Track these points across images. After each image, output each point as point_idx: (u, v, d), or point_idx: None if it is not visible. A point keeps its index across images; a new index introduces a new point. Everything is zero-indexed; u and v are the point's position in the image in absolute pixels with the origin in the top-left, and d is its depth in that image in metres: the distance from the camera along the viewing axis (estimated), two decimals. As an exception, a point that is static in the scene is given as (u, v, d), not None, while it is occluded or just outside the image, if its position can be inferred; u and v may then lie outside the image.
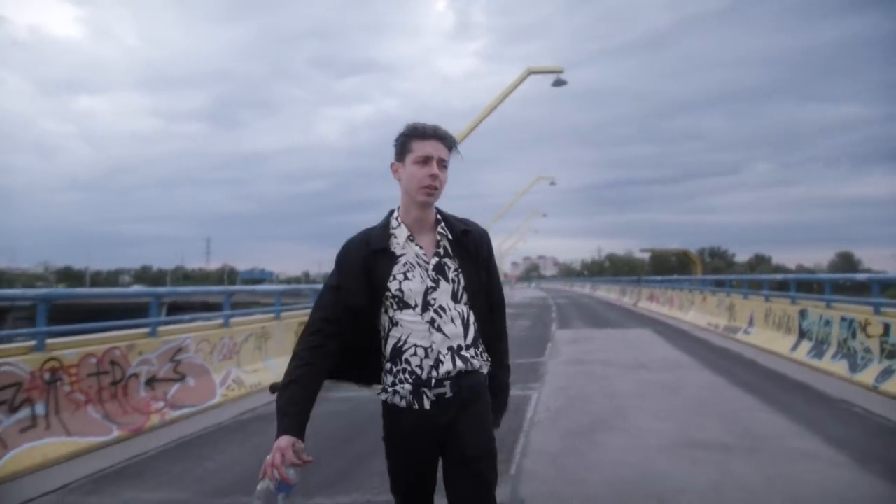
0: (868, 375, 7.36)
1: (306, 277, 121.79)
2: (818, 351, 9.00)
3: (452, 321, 1.91)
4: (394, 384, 1.90)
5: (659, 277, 35.27)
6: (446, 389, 1.88)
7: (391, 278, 1.89)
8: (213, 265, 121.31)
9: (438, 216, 2.00)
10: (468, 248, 1.98)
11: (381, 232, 1.94)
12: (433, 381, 1.87)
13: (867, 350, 7.70)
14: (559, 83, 17.81)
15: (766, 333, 11.41)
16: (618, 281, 42.32)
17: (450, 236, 1.97)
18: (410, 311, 1.89)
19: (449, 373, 1.87)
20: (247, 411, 6.66)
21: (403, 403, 1.89)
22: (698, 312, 17.31)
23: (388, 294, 1.90)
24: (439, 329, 1.89)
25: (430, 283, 1.90)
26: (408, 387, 1.88)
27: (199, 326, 7.63)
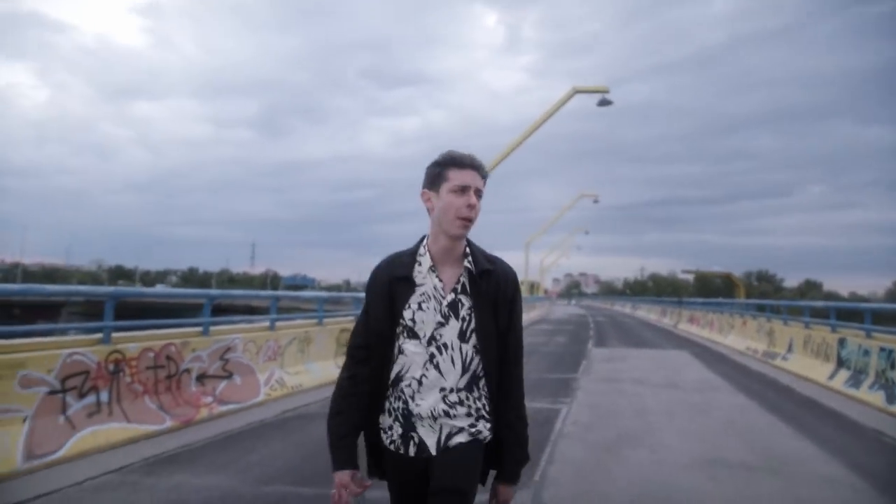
0: (904, 407, 7.29)
1: (347, 285, 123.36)
2: (856, 380, 8.91)
3: (452, 361, 1.86)
4: (390, 427, 1.91)
5: (701, 300, 34.73)
6: (429, 443, 1.86)
7: (406, 306, 1.87)
8: (258, 269, 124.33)
9: (467, 249, 1.94)
10: (487, 288, 1.90)
11: (408, 259, 1.92)
12: (419, 417, 1.86)
13: (905, 381, 7.62)
14: (605, 102, 18.01)
15: (805, 360, 11.29)
16: (659, 301, 41.78)
17: (472, 272, 1.90)
18: (416, 341, 1.87)
19: (432, 412, 1.85)
20: (289, 410, 7.02)
21: (393, 448, 1.90)
22: (738, 336, 17.10)
23: (402, 322, 1.87)
24: (437, 366, 1.86)
25: (440, 319, 1.86)
26: (398, 430, 1.88)
27: (246, 328, 8.07)
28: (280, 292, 11.27)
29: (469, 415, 1.88)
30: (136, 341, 5.91)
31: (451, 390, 1.85)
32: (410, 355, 1.86)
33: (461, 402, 1.86)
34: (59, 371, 5.00)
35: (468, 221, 1.84)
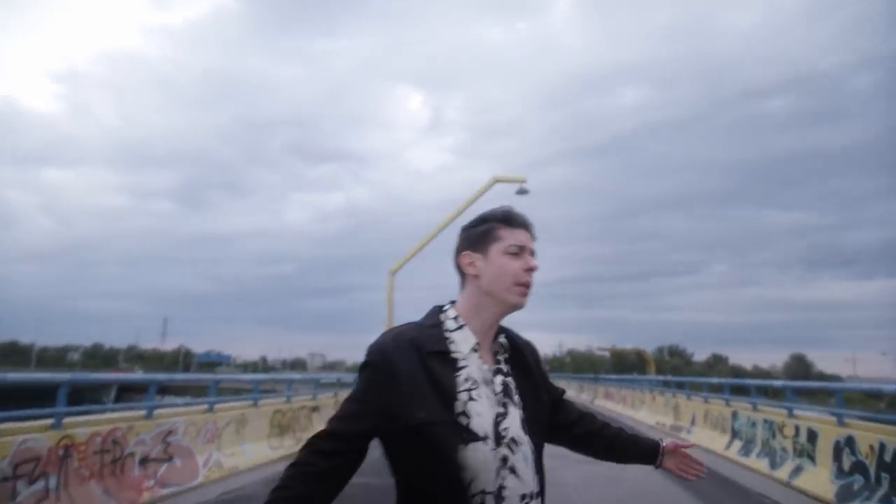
0: (783, 472, 8.36)
1: (264, 363, 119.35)
2: (746, 449, 10.00)
3: (525, 460, 1.40)
4: None
5: (615, 376, 36.34)
6: None
7: (459, 393, 1.38)
8: (169, 345, 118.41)
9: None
10: (529, 363, 1.56)
11: (432, 331, 1.46)
12: None
13: (783, 449, 8.74)
14: (522, 192, 19.45)
15: (706, 432, 12.40)
16: (577, 377, 43.21)
17: (508, 349, 1.56)
18: (480, 443, 1.34)
19: None
20: (227, 492, 7.24)
21: None
22: (648, 411, 18.26)
23: (456, 415, 1.36)
24: (513, 470, 1.37)
25: (499, 409, 1.40)
26: None
27: (186, 411, 8.27)
28: (222, 375, 11.44)
29: None
30: (84, 426, 6.12)
31: (533, 496, 1.40)
32: (472, 463, 1.33)
33: None
34: (13, 457, 5.19)
35: (528, 288, 1.50)
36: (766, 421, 9.55)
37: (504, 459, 1.36)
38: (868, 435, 6.75)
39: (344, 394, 14.74)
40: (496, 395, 1.42)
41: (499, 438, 1.36)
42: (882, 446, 6.33)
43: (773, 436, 9.13)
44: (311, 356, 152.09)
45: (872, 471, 6.41)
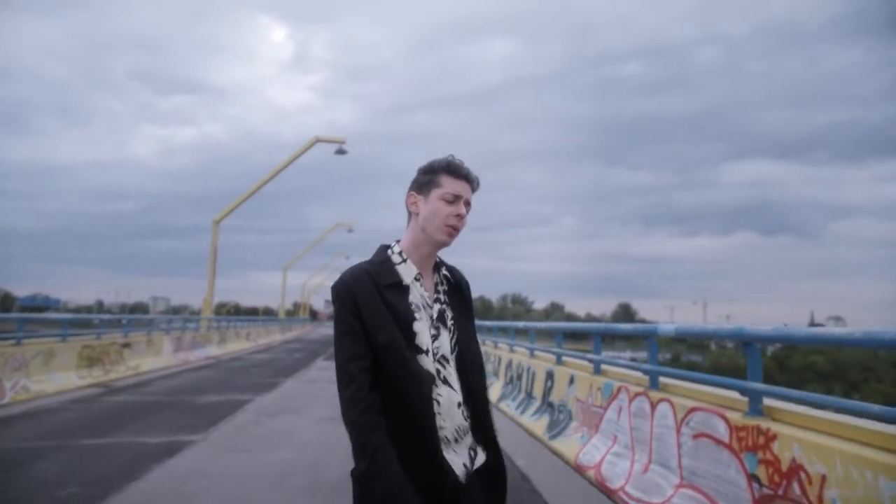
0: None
1: (99, 307, 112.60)
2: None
3: (453, 375, 1.70)
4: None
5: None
6: (457, 470, 1.64)
7: (413, 317, 1.67)
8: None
9: (437, 258, 1.82)
10: (464, 296, 1.84)
11: (384, 268, 1.71)
12: (444, 441, 1.64)
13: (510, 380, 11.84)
14: (341, 152, 21.50)
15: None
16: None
17: (451, 281, 1.82)
18: (423, 356, 1.65)
19: (457, 432, 1.67)
20: (31, 408, 8.90)
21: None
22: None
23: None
24: (445, 381, 1.67)
25: (433, 331, 1.70)
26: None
27: (-5, 344, 9.70)
28: (28, 315, 12.61)
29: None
30: None
31: (460, 406, 1.69)
32: (424, 372, 1.63)
33: (466, 417, 1.71)
34: None
35: (455, 231, 1.74)
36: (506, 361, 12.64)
37: (437, 372, 1.65)
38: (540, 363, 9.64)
39: (155, 333, 16.30)
40: (432, 319, 1.70)
41: (432, 354, 1.65)
42: (549, 373, 8.49)
43: (513, 370, 12.23)
44: (154, 300, 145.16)
45: (523, 384, 9.28)
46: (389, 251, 1.77)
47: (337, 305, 1.66)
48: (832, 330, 3.18)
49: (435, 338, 1.69)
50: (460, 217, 1.73)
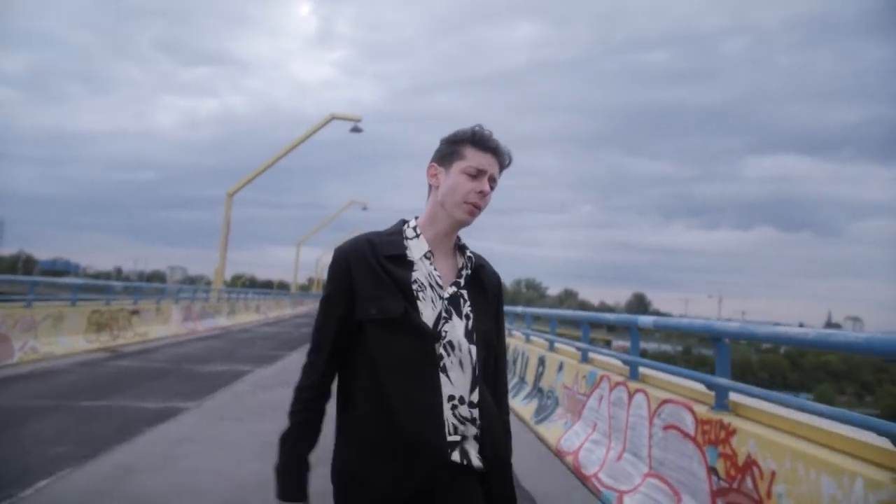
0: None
1: (118, 274, 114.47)
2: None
3: (461, 364, 1.48)
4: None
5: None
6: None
7: (413, 291, 1.50)
8: (7, 251, 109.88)
9: (461, 242, 1.64)
10: (485, 285, 1.62)
11: (392, 238, 1.57)
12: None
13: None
14: (356, 130, 21.53)
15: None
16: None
17: (474, 269, 1.61)
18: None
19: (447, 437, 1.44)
20: (37, 368, 9.17)
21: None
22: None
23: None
24: (444, 370, 1.47)
25: (443, 314, 1.50)
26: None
27: (7, 305, 9.97)
28: (38, 278, 12.90)
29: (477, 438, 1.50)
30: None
31: (461, 401, 1.48)
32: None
33: (472, 420, 1.49)
34: None
35: (476, 209, 1.55)
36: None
37: (438, 357, 1.46)
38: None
39: (164, 302, 16.60)
40: (442, 300, 1.51)
41: (438, 337, 1.47)
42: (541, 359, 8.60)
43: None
44: (171, 269, 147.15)
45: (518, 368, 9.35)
46: (406, 225, 1.62)
47: (329, 270, 1.54)
48: (791, 330, 3.20)
49: (445, 321, 1.50)
50: (483, 194, 1.55)
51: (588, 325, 6.64)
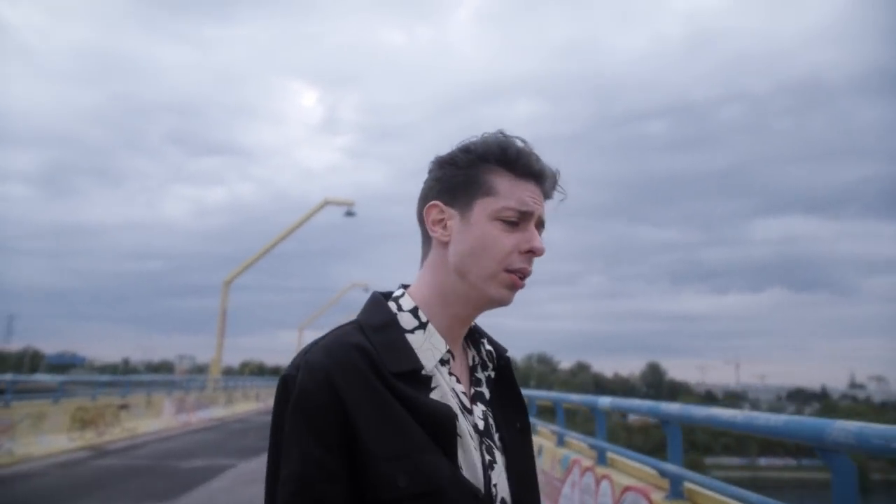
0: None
1: (125, 365, 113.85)
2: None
3: None
4: None
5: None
6: None
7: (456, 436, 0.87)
8: (14, 346, 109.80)
9: (474, 324, 1.02)
10: (514, 386, 1.02)
11: (392, 338, 0.89)
12: None
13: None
14: (350, 214, 21.88)
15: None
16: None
17: (494, 365, 1.01)
18: None
19: None
20: (11, 472, 8.91)
21: None
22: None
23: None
24: None
25: (485, 456, 0.89)
26: None
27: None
28: (19, 377, 12.79)
29: None
30: None
31: None
32: None
33: None
34: None
35: (522, 278, 0.95)
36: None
37: None
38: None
39: (160, 393, 16.28)
40: (479, 434, 0.90)
41: (490, 499, 0.86)
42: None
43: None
44: (180, 358, 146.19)
45: None
46: (396, 307, 0.94)
47: (296, 415, 0.82)
48: (724, 412, 3.02)
49: (490, 468, 0.89)
50: (534, 253, 0.94)
51: (562, 409, 6.42)
